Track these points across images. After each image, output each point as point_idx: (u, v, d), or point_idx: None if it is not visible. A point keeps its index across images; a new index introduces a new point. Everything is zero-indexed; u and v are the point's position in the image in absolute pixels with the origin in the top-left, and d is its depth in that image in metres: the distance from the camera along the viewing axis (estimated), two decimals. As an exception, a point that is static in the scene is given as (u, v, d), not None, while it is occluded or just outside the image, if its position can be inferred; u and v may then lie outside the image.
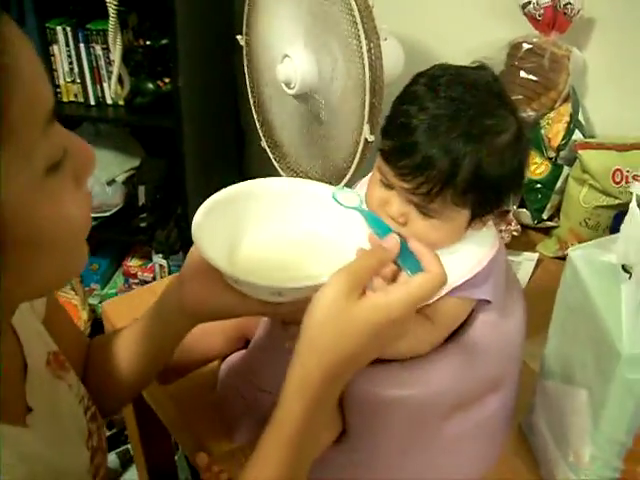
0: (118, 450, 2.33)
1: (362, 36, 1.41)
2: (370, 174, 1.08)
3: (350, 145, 1.58)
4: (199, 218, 0.94)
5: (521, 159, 0.99)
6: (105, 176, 2.66)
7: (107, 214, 2.69)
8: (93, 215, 2.64)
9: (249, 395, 1.14)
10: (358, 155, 1.55)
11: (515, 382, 1.14)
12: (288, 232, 1.04)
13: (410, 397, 1.01)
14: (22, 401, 0.83)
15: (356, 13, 1.41)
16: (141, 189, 2.61)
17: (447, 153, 0.92)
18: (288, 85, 1.63)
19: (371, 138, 1.47)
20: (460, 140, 0.92)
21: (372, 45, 1.43)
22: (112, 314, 1.49)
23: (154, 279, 2.83)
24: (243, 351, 1.20)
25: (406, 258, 0.88)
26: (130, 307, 1.49)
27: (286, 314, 0.95)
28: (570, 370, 1.05)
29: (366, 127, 1.48)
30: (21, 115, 0.61)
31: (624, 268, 0.94)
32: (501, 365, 1.09)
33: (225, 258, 0.96)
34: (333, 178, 1.69)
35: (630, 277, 0.91)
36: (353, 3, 1.42)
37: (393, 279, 0.91)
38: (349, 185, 1.60)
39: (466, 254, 1.04)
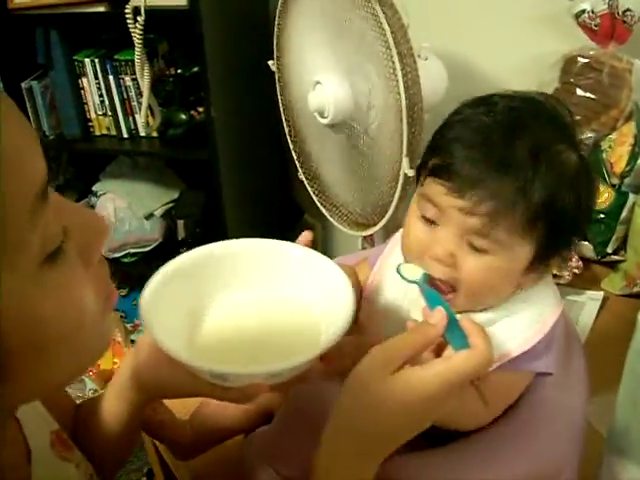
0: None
1: (396, 59, 1.32)
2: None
3: (391, 179, 1.50)
4: (148, 292, 0.83)
5: (590, 193, 0.89)
6: (143, 210, 2.61)
7: (146, 249, 2.64)
8: (132, 250, 2.62)
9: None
10: (398, 190, 1.45)
11: (577, 467, 0.99)
12: (260, 299, 0.92)
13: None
14: None
15: (388, 34, 1.31)
16: (180, 223, 2.54)
17: (518, 163, 0.82)
18: (321, 114, 1.56)
19: (410, 173, 1.38)
20: (530, 151, 0.82)
21: (408, 69, 1.33)
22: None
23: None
24: (266, 428, 1.08)
25: (453, 333, 0.79)
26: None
27: (236, 400, 0.84)
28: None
29: (405, 160, 1.39)
30: (3, 203, 0.50)
31: None
32: (561, 450, 0.94)
33: (184, 334, 0.86)
34: (375, 213, 1.62)
35: None
36: (385, 23, 1.31)
37: (439, 354, 0.81)
38: (391, 223, 1.52)
39: (525, 317, 0.91)
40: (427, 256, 0.88)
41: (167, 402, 1.12)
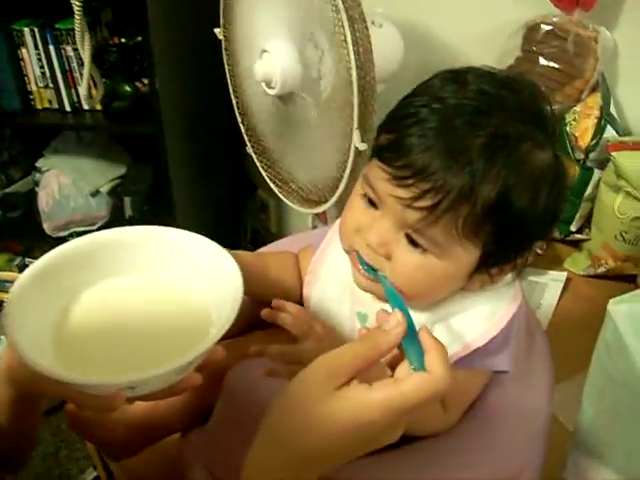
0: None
1: (345, 24, 1.24)
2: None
3: (342, 153, 1.42)
4: (13, 294, 0.77)
5: (557, 198, 0.80)
6: (88, 187, 2.51)
7: (93, 227, 2.53)
8: (78, 229, 2.53)
9: None
10: (349, 165, 1.38)
11: (538, 470, 0.94)
12: (142, 291, 0.85)
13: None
14: None
15: None
16: (127, 200, 2.45)
17: (467, 155, 0.73)
18: (268, 84, 1.48)
19: (362, 146, 1.32)
20: (488, 142, 0.73)
21: (359, 35, 1.27)
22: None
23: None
24: (203, 427, 1.02)
25: (411, 344, 0.70)
26: None
27: (99, 409, 0.80)
28: (610, 452, 0.86)
29: (356, 133, 1.32)
30: None
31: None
32: (521, 452, 0.89)
33: (52, 334, 0.79)
34: (327, 189, 1.55)
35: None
36: (334, -16, 1.22)
37: (393, 366, 0.72)
38: (343, 200, 1.44)
39: (479, 312, 0.85)
40: (361, 238, 0.82)
41: None
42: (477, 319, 0.84)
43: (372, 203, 0.81)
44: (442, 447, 0.86)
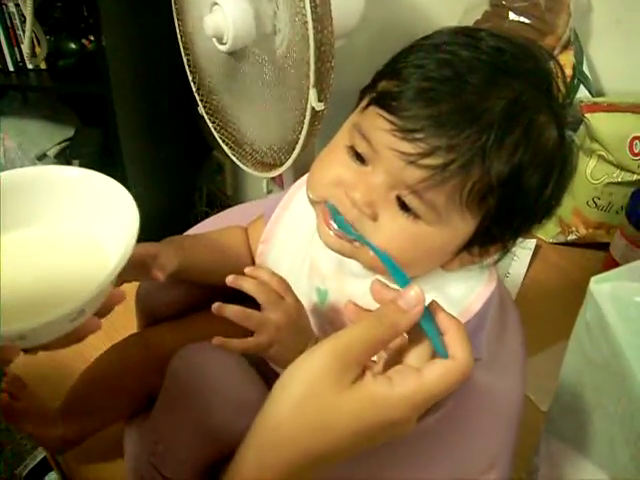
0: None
1: None
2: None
3: (299, 113, 1.36)
4: None
5: (562, 184, 0.74)
6: (35, 150, 2.47)
7: None
8: None
9: (149, 478, 0.88)
10: (306, 126, 1.31)
11: (510, 459, 0.89)
12: (37, 236, 0.79)
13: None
14: None
15: None
16: (75, 163, 2.40)
17: (491, 118, 0.67)
18: (220, 40, 1.40)
19: (319, 106, 1.25)
20: (511, 109, 0.67)
21: None
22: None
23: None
24: (148, 414, 0.95)
25: (429, 324, 0.62)
26: None
27: None
28: (587, 439, 0.79)
29: (312, 92, 1.25)
30: None
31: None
32: (494, 441, 0.84)
33: None
34: (282, 151, 1.49)
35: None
36: None
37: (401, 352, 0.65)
38: (301, 162, 1.41)
39: (452, 294, 0.78)
40: (343, 193, 0.73)
41: (34, 388, 1.02)
42: (450, 301, 0.77)
43: (359, 157, 0.73)
44: (405, 444, 0.78)
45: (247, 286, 0.80)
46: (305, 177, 0.84)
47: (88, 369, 1.01)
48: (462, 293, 0.78)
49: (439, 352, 0.61)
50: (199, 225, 1.18)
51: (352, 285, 0.81)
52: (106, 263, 0.71)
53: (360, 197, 0.71)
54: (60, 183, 0.78)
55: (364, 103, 0.74)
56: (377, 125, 0.70)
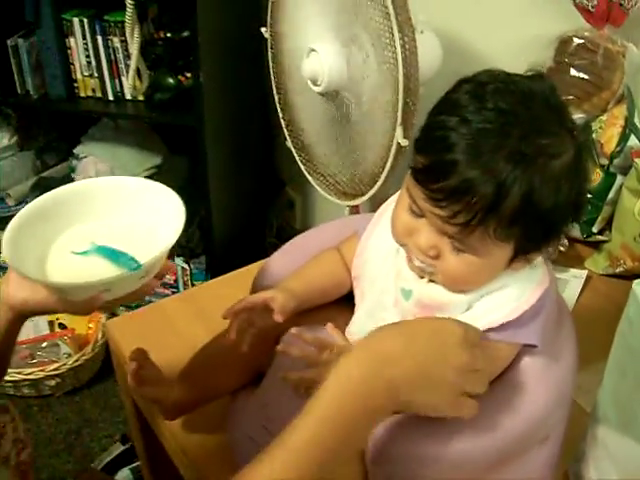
0: (132, 466, 2.21)
1: (395, 29, 1.32)
2: (398, 193, 0.96)
3: (382, 149, 1.51)
4: (10, 228, 0.96)
5: (579, 189, 0.86)
6: (125, 175, 2.48)
7: None
8: None
9: (259, 439, 1.01)
10: (390, 160, 1.47)
11: (562, 435, 1.01)
12: (110, 229, 1.04)
13: (444, 454, 0.88)
14: None
15: (389, 4, 1.30)
16: None
17: (492, 176, 0.79)
18: (314, 82, 1.56)
19: (404, 142, 1.39)
20: (509, 161, 0.79)
21: (406, 39, 1.35)
22: (117, 333, 1.38)
23: (176, 282, 2.72)
24: (254, 388, 1.10)
25: None
26: (136, 326, 1.41)
27: (80, 311, 0.98)
28: (630, 420, 0.92)
29: (399, 130, 1.40)
30: None
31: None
32: (548, 417, 0.94)
33: (41, 259, 0.99)
34: (363, 183, 1.63)
35: None
36: (385, -8, 1.30)
37: None
38: (380, 193, 1.53)
39: (510, 291, 0.92)
40: (412, 242, 0.90)
41: (155, 358, 1.13)
42: (510, 296, 0.91)
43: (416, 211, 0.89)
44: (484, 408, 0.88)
45: (292, 354, 0.94)
46: (393, 197, 1.00)
47: (207, 345, 1.14)
48: (519, 291, 0.91)
49: None
50: (287, 246, 1.25)
51: (429, 287, 0.95)
52: (160, 242, 0.94)
53: (424, 244, 0.88)
54: (130, 187, 1.05)
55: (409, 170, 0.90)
56: (416, 193, 0.86)
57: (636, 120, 1.58)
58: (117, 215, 1.03)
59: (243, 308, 1.02)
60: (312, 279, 1.10)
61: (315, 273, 1.11)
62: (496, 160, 0.79)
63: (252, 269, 1.31)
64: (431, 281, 0.94)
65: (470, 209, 0.80)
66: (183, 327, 1.38)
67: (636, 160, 1.51)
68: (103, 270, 0.92)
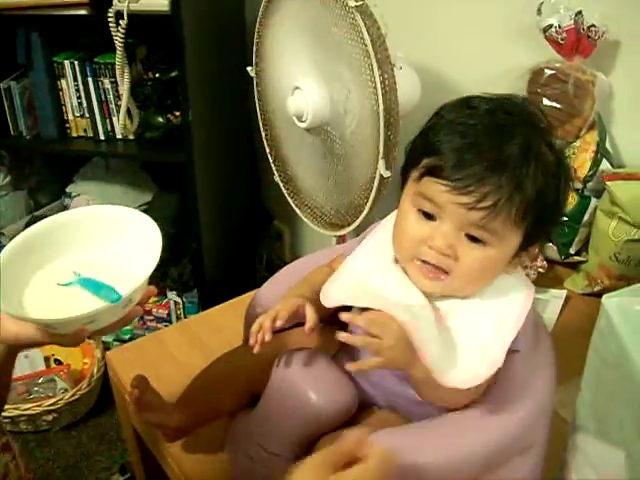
0: (131, 495, 2.25)
1: (375, 66, 1.37)
2: (392, 215, 1.02)
3: (366, 181, 1.55)
4: None
5: (566, 190, 0.96)
6: None
7: None
8: None
9: (256, 456, 1.07)
10: (374, 191, 1.50)
11: (545, 441, 1.05)
12: (92, 260, 1.04)
13: (429, 464, 0.92)
14: None
15: (368, 42, 1.36)
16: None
17: (513, 162, 0.88)
18: (299, 118, 1.60)
19: (386, 174, 1.43)
20: (522, 151, 0.89)
21: (386, 76, 1.39)
22: (117, 363, 1.42)
23: (169, 315, 2.76)
24: (251, 409, 1.13)
25: None
26: (135, 356, 1.45)
27: (69, 344, 0.95)
28: (605, 427, 0.95)
29: (381, 162, 1.44)
30: None
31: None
32: (530, 423, 0.99)
33: (24, 295, 0.98)
34: (349, 214, 1.67)
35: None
36: (365, 33, 1.37)
37: None
38: (365, 223, 1.58)
39: (518, 295, 0.99)
40: (426, 246, 0.93)
41: (155, 385, 1.17)
42: (517, 302, 0.97)
43: (427, 215, 0.94)
44: (454, 427, 0.96)
45: (360, 322, 0.91)
46: (381, 222, 1.07)
47: (205, 370, 1.19)
48: (524, 296, 0.97)
49: None
50: (277, 275, 1.29)
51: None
52: (140, 270, 0.95)
53: (442, 243, 0.92)
54: (108, 218, 1.04)
55: (415, 175, 0.95)
56: (436, 189, 0.90)
57: (607, 145, 1.63)
58: (97, 245, 1.03)
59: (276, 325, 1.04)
60: (314, 285, 1.12)
61: (315, 280, 1.13)
62: (510, 148, 0.88)
63: (244, 299, 1.36)
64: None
65: (497, 190, 0.87)
66: (180, 355, 1.43)
67: (608, 183, 1.55)
68: (85, 302, 0.94)
